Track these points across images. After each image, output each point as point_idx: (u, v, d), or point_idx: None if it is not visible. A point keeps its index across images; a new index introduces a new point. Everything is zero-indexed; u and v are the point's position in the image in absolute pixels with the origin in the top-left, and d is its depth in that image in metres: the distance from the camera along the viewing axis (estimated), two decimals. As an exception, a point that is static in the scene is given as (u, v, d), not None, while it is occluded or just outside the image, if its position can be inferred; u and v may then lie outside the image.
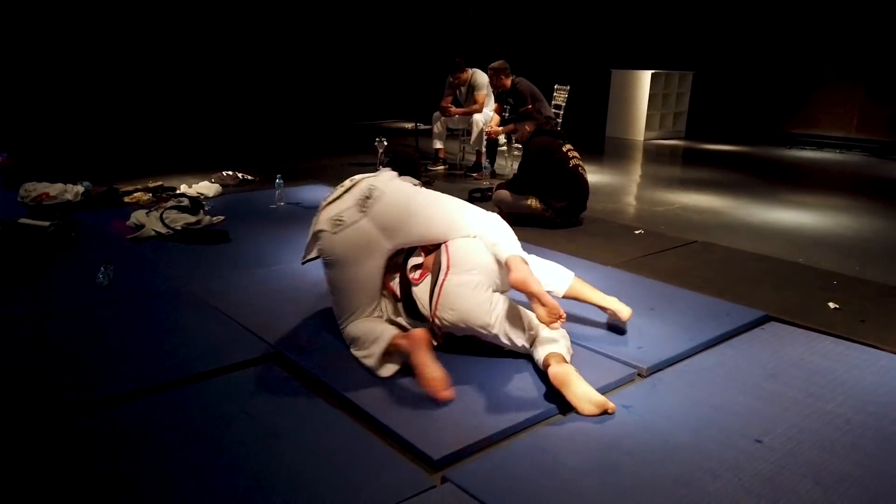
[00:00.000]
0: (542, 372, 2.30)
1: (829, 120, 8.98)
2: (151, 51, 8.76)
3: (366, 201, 2.38)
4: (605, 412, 2.09)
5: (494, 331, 2.32)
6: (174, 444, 1.92)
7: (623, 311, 2.70)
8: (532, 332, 2.38)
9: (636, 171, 7.39)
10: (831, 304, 3.08)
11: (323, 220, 2.39)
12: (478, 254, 2.36)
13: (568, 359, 2.28)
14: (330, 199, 2.47)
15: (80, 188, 4.86)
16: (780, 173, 7.25)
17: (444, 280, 2.31)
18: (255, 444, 1.92)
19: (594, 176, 5.62)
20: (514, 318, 2.36)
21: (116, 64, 8.48)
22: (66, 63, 7.95)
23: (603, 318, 2.85)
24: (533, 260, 2.54)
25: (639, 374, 2.42)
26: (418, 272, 2.41)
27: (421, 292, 2.37)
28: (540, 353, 2.29)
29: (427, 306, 2.34)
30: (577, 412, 2.10)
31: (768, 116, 9.54)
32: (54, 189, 4.76)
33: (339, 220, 2.36)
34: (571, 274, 2.70)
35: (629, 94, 9.46)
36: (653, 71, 9.22)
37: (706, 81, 9.85)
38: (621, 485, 1.77)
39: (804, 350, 2.60)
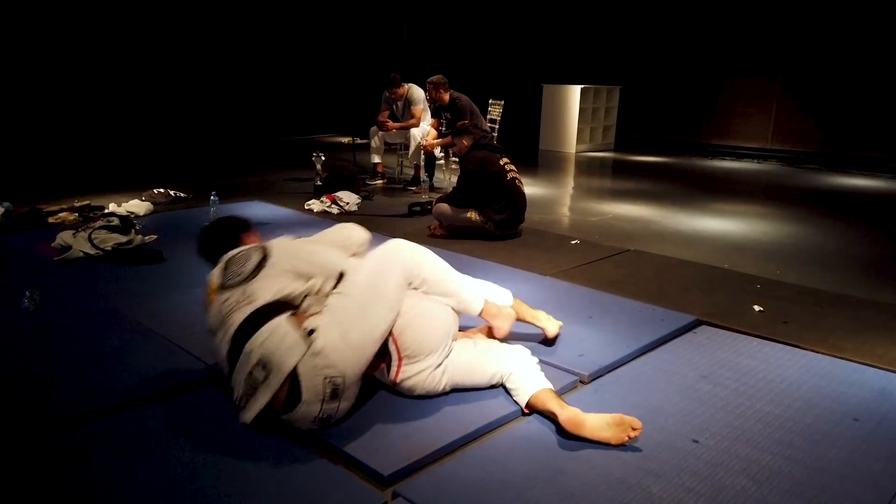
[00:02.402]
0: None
1: (746, 132, 9.49)
2: (75, 62, 8.42)
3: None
4: (633, 430, 2.01)
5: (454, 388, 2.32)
6: (114, 470, 1.85)
7: (550, 328, 2.72)
8: (498, 370, 2.32)
9: (570, 182, 7.60)
10: (756, 307, 3.26)
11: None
12: (429, 334, 2.21)
13: (548, 386, 2.23)
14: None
15: (-1, 209, 4.63)
16: (703, 183, 7.61)
17: (397, 374, 2.20)
18: (197, 468, 1.87)
19: (530, 188, 5.75)
20: (472, 369, 2.32)
21: (36, 75, 8.10)
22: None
23: (541, 331, 2.92)
24: (472, 281, 2.53)
25: (581, 381, 2.49)
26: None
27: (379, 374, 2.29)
28: (523, 392, 2.22)
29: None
30: (609, 443, 2.02)
31: (691, 128, 10.00)
32: (-30, 210, 4.51)
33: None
34: (509, 293, 2.69)
35: (560, 109, 9.74)
36: (582, 86, 9.52)
37: (632, 95, 10.25)
38: (569, 490, 1.82)
39: (733, 352, 2.74)
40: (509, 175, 4.50)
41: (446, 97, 6.04)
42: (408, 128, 6.35)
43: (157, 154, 8.32)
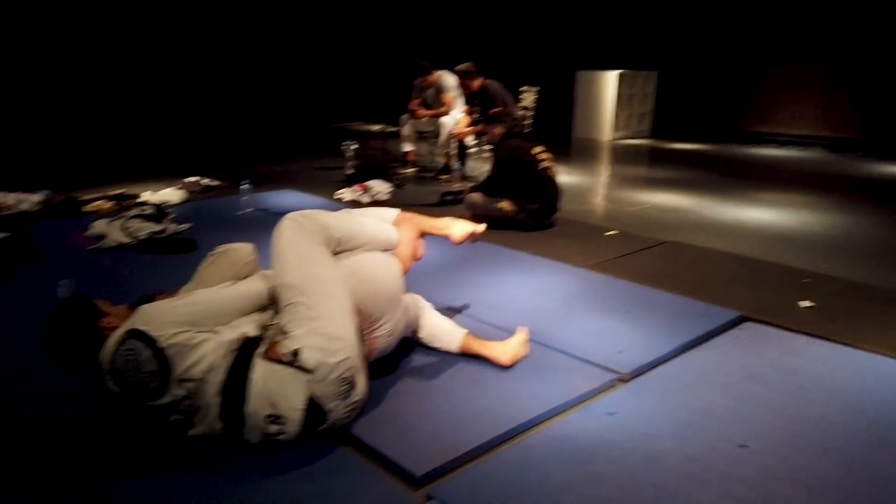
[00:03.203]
0: (525, 379, 2.28)
1: (789, 118, 9.18)
2: (112, 54, 8.51)
3: None
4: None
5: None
6: (142, 464, 1.83)
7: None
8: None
9: (605, 171, 7.44)
10: (804, 303, 3.11)
11: None
12: (383, 292, 2.18)
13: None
14: None
15: (37, 197, 4.68)
16: (744, 171, 7.37)
17: (371, 348, 2.16)
18: (228, 465, 1.84)
19: (564, 177, 5.63)
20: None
21: (76, 68, 8.21)
22: (22, 68, 7.67)
23: (581, 322, 2.83)
24: (362, 212, 2.54)
25: (620, 379, 2.40)
26: None
27: None
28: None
29: None
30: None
31: (732, 115, 9.71)
32: (9, 199, 4.57)
33: None
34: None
35: (595, 95, 9.53)
36: (619, 71, 9.30)
37: (671, 81, 9.98)
38: (608, 496, 1.73)
39: (781, 350, 2.61)
40: (543, 164, 4.39)
41: (476, 85, 5.92)
42: (439, 115, 6.26)
43: (191, 142, 8.37)
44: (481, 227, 2.64)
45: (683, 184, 6.32)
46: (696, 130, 9.99)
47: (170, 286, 3.19)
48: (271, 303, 2.06)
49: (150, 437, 1.93)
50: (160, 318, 1.82)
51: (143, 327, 1.79)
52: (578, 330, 2.76)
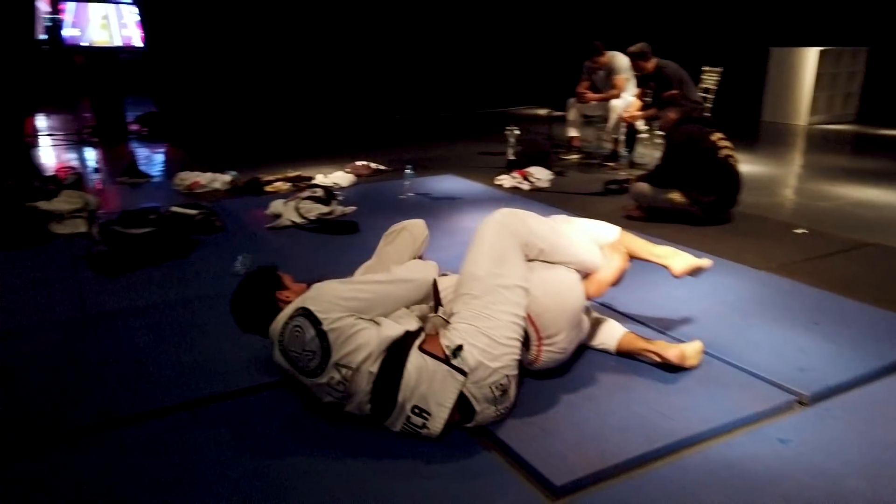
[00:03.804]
0: (686, 391, 2.07)
1: None
2: (299, 46, 9.14)
3: None
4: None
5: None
6: (297, 451, 1.90)
7: (675, 266, 2.39)
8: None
9: (797, 160, 6.67)
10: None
11: None
12: (565, 311, 2.09)
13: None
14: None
15: (227, 177, 5.14)
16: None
17: (538, 356, 2.09)
18: (369, 452, 1.85)
19: (747, 166, 5.10)
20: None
21: (269, 58, 8.92)
22: (224, 58, 8.48)
23: (757, 333, 2.53)
24: (577, 229, 2.34)
25: (799, 402, 2.09)
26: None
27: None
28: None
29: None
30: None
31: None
32: (205, 178, 5.07)
33: None
34: (618, 229, 2.41)
35: (791, 75, 8.57)
36: (820, 48, 8.27)
37: (883, 58, 8.68)
38: (776, 539, 1.51)
39: None
40: (722, 152, 3.99)
41: (650, 66, 5.54)
42: (608, 99, 5.96)
43: (362, 128, 8.78)
44: (708, 263, 2.44)
45: (893, 177, 5.47)
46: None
47: (330, 265, 3.35)
48: (436, 293, 2.07)
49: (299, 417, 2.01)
50: (329, 299, 1.87)
51: (312, 306, 1.85)
52: (753, 341, 2.46)
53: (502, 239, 2.03)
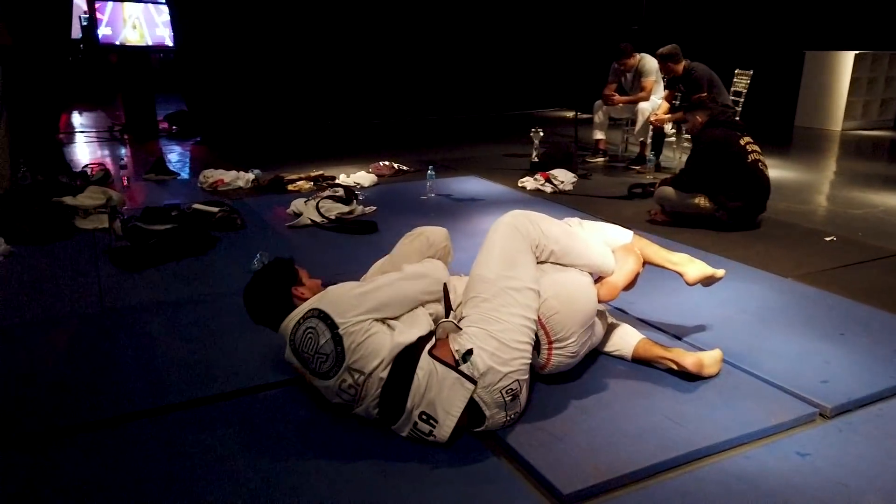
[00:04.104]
0: (702, 400, 2.01)
1: None
2: (327, 46, 9.19)
3: None
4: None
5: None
6: (304, 453, 1.89)
7: (689, 273, 2.32)
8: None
9: (830, 166, 6.50)
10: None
11: None
12: (576, 314, 2.02)
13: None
14: None
15: (250, 175, 5.18)
16: None
17: (548, 360, 2.05)
18: (374, 455, 1.83)
19: (777, 171, 5.00)
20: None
21: (296, 57, 8.99)
22: (252, 58, 8.57)
23: (780, 342, 2.46)
24: (590, 231, 2.30)
25: (821, 415, 2.02)
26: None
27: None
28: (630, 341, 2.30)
29: None
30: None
31: None
32: (228, 176, 5.11)
33: None
34: (630, 232, 2.37)
35: (826, 79, 8.36)
36: (857, 52, 8.05)
37: (924, 62, 8.43)
38: (791, 557, 1.45)
39: None
40: (751, 157, 3.90)
41: (679, 68, 5.44)
42: (636, 101, 5.88)
43: (386, 128, 8.79)
44: (721, 273, 2.37)
45: (932, 184, 5.30)
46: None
47: (348, 263, 3.35)
48: (446, 296, 2.05)
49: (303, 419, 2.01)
50: (345, 301, 1.85)
51: (327, 309, 1.82)
52: (775, 351, 2.39)
53: (513, 241, 2.00)
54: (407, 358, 1.81)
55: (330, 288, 1.95)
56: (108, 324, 2.69)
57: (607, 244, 2.28)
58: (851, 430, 1.93)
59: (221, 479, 1.72)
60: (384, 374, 1.80)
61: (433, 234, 2.29)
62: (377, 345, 1.81)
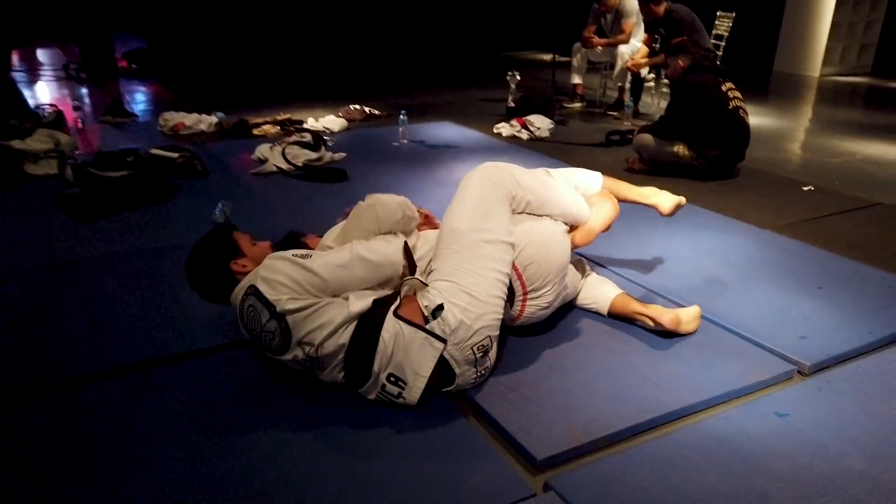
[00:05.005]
0: (679, 358, 1.96)
1: None
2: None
3: None
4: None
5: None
6: (261, 418, 1.80)
7: (663, 204, 2.38)
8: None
9: (807, 113, 6.43)
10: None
11: None
12: (551, 263, 1.96)
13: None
14: None
15: (213, 119, 4.94)
16: None
17: (521, 311, 1.98)
18: (338, 420, 1.75)
19: (755, 118, 4.87)
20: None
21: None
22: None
23: (758, 296, 2.41)
24: (563, 178, 2.24)
25: (799, 372, 1.99)
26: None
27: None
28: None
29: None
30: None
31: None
32: (190, 119, 4.86)
33: None
34: (599, 175, 2.32)
35: (806, 23, 8.21)
36: (839, -6, 7.90)
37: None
38: (770, 524, 1.41)
39: None
40: (732, 103, 3.79)
41: (661, 9, 5.24)
42: (615, 44, 5.69)
43: (355, 69, 8.45)
44: (683, 200, 2.44)
45: (908, 133, 5.26)
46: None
47: (316, 214, 3.20)
48: (409, 257, 1.90)
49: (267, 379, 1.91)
50: (281, 280, 1.67)
51: (262, 287, 1.67)
52: (753, 306, 2.34)
53: (487, 192, 1.88)
54: (369, 321, 1.70)
55: (268, 259, 1.76)
56: (59, 278, 2.53)
57: (578, 188, 2.22)
58: (830, 388, 1.89)
59: (169, 446, 1.62)
60: (344, 340, 1.69)
61: (384, 206, 1.96)
62: (327, 316, 1.68)
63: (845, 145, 4.85)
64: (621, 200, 2.32)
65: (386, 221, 1.94)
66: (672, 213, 2.41)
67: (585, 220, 2.16)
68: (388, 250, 1.85)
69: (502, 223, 1.87)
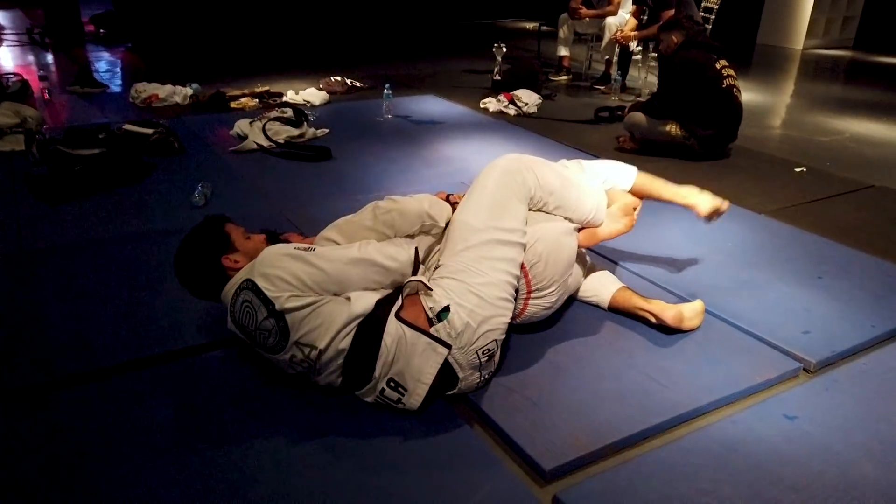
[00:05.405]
0: (682, 355, 1.91)
1: None
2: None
3: None
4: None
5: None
6: (258, 420, 1.70)
7: (701, 204, 2.21)
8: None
9: (792, 87, 6.38)
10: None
11: None
12: (558, 263, 1.89)
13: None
14: None
15: (188, 90, 4.73)
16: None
17: (523, 309, 1.89)
18: (339, 428, 1.66)
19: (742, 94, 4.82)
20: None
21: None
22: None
23: (756, 287, 2.35)
24: (589, 173, 2.15)
25: (805, 370, 1.95)
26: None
27: None
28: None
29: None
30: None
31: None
32: (163, 91, 4.66)
33: None
34: (634, 170, 2.22)
35: (792, -6, 8.13)
36: (825, -35, 7.82)
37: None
38: (786, 538, 1.37)
39: None
40: (726, 82, 3.71)
41: (651, -20, 5.12)
42: (603, 16, 5.54)
43: (337, 39, 8.20)
44: (727, 205, 2.25)
45: (890, 109, 5.24)
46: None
47: (302, 197, 3.07)
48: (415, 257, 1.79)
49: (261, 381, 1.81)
50: (280, 275, 1.57)
51: (260, 282, 1.57)
52: (754, 297, 2.29)
53: (507, 189, 1.79)
54: (371, 325, 1.61)
55: (263, 252, 1.65)
56: (27, 268, 2.39)
57: (607, 183, 2.13)
58: (837, 388, 1.85)
59: (154, 459, 1.53)
60: (344, 345, 1.59)
61: (402, 219, 1.82)
62: (328, 315, 1.58)
63: (833, 123, 4.82)
64: (656, 199, 2.22)
65: (401, 232, 1.84)
66: (711, 218, 2.23)
67: (598, 223, 2.07)
68: (401, 257, 1.75)
69: (518, 223, 1.79)
